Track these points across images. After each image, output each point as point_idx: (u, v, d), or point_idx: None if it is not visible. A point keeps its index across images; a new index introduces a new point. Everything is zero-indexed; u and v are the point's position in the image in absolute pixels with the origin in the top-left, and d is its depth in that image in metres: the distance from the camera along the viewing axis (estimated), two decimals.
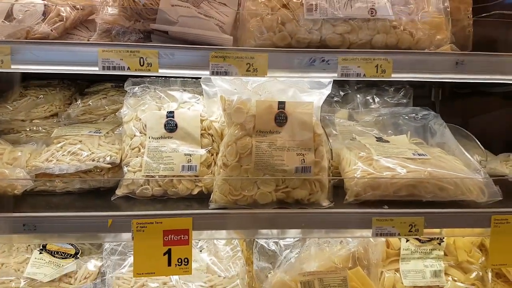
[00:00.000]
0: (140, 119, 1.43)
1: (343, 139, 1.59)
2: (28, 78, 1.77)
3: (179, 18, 1.16)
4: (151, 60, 1.12)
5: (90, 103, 1.66)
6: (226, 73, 1.15)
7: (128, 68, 1.11)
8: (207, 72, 1.15)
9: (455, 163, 1.36)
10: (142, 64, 1.11)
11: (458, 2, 1.39)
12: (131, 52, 1.10)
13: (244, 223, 1.22)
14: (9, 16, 1.23)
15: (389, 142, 1.51)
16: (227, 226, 1.22)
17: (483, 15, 1.34)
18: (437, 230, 1.47)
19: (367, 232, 1.23)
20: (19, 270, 1.34)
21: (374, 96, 1.83)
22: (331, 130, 1.67)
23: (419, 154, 1.40)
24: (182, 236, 1.17)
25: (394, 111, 1.72)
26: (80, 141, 1.42)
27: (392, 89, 1.87)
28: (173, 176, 1.34)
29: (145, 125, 1.41)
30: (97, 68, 1.10)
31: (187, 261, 1.16)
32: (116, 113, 1.53)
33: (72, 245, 1.53)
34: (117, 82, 1.75)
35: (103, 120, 1.67)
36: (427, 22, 1.23)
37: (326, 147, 1.29)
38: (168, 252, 1.15)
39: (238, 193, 1.21)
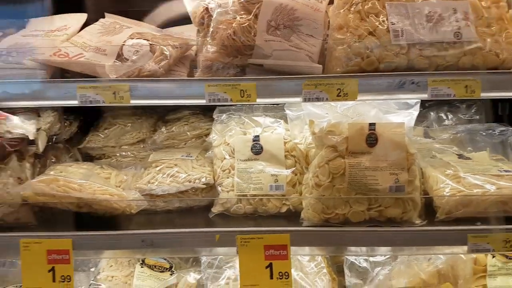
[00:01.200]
0: (228, 144, 1.55)
1: (422, 156, 1.61)
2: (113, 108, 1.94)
3: (273, 52, 1.27)
4: (250, 92, 1.23)
5: (174, 130, 1.79)
6: (317, 99, 1.23)
7: (231, 100, 1.23)
8: (299, 99, 1.24)
9: None
10: (242, 95, 1.23)
11: None
12: (233, 86, 1.22)
13: (338, 240, 1.28)
14: (119, 56, 1.40)
15: (471, 159, 1.52)
16: (321, 243, 1.29)
17: None
18: None
19: (461, 249, 1.25)
20: (126, 283, 1.47)
21: (447, 113, 1.85)
22: None
23: (505, 171, 1.40)
24: (281, 251, 1.25)
25: (471, 128, 1.72)
26: (176, 165, 1.56)
27: (464, 105, 1.87)
28: (263, 195, 1.44)
29: (233, 149, 1.53)
30: (204, 101, 1.23)
31: (288, 275, 1.24)
32: (206, 139, 1.66)
33: (165, 259, 1.66)
34: (193, 110, 1.89)
35: (184, 144, 1.80)
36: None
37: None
38: (270, 266, 1.24)
39: (330, 211, 1.28)
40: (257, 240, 1.24)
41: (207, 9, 1.36)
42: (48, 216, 1.44)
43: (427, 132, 1.77)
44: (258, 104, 1.64)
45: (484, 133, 1.70)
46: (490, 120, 1.85)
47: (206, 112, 1.82)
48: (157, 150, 1.74)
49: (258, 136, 1.52)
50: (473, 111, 1.89)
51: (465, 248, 1.23)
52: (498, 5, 1.31)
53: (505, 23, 1.29)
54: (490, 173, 1.38)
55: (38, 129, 1.56)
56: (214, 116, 1.65)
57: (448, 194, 1.31)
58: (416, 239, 1.25)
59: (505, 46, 1.26)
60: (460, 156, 1.55)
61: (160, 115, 1.93)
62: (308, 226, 1.30)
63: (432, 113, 1.85)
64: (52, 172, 1.49)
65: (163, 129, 1.80)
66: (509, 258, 1.54)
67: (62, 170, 1.52)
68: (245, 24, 1.28)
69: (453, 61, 1.25)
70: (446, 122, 1.82)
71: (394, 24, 1.26)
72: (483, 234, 1.23)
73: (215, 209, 1.45)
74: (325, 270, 1.52)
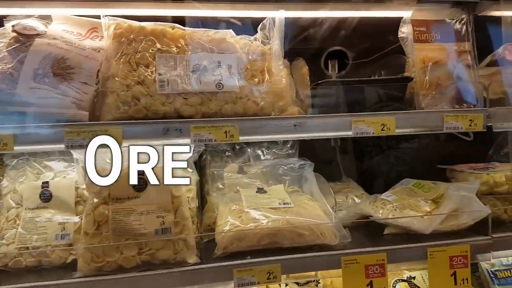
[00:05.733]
0: (17, 191, 1.46)
1: (229, 192, 1.70)
2: None
3: (38, 100, 1.25)
4: (7, 140, 1.18)
5: None
6: (81, 146, 1.23)
7: None
8: (63, 146, 1.23)
9: (315, 209, 1.51)
10: None
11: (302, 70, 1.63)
12: None
13: None
14: None
15: (266, 192, 1.64)
16: None
17: (319, 82, 1.56)
18: (312, 273, 1.59)
19: (231, 285, 1.32)
20: None
21: (264, 149, 1.99)
22: (218, 184, 1.79)
23: (284, 203, 1.53)
24: None
25: (276, 163, 1.87)
26: None
27: (281, 141, 2.04)
28: (46, 246, 1.37)
29: (22, 196, 1.45)
30: None
31: None
32: None
33: None
34: None
35: None
36: (270, 91, 1.42)
37: (193, 205, 1.39)
38: None
39: (101, 259, 1.26)
40: None
41: None
42: None
43: (242, 168, 1.88)
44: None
45: (286, 167, 1.86)
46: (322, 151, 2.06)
47: None
48: None
49: (47, 182, 1.46)
50: (288, 145, 2.07)
51: (232, 283, 1.29)
52: (262, 58, 1.48)
53: (266, 75, 1.46)
54: (269, 206, 1.50)
55: None
56: (6, 161, 1.55)
57: (226, 229, 1.39)
58: (186, 279, 1.29)
59: (264, 95, 1.42)
60: (259, 190, 1.66)
61: None
62: (80, 277, 1.26)
63: (249, 150, 1.98)
64: None
65: None
66: (301, 285, 1.67)
67: None
68: (7, 72, 1.25)
69: (216, 109, 1.36)
70: (262, 158, 1.96)
71: (161, 74, 1.33)
72: (248, 268, 1.31)
73: None
74: None
